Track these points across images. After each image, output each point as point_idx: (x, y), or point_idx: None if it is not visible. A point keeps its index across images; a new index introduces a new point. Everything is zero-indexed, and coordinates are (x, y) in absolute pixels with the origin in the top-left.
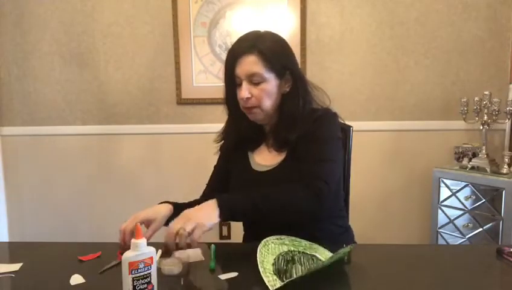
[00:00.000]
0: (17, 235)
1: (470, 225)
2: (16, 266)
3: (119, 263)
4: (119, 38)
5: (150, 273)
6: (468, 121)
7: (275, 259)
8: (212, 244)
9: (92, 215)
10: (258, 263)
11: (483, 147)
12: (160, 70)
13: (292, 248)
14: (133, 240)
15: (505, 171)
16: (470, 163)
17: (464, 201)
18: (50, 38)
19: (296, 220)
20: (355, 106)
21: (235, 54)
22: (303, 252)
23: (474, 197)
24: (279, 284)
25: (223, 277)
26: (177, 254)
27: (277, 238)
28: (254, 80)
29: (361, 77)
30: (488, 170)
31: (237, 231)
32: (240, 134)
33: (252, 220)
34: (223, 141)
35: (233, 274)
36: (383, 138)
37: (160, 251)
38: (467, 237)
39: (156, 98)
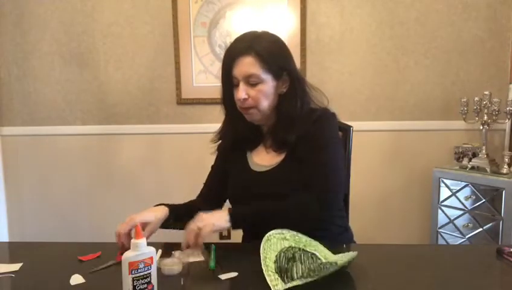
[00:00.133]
0: (17, 235)
1: (470, 225)
2: (15, 266)
3: (113, 265)
4: (119, 38)
5: (150, 273)
6: (468, 121)
7: (276, 256)
8: (212, 244)
9: (92, 215)
10: (261, 260)
11: (483, 147)
12: (160, 70)
13: (293, 244)
14: (133, 240)
15: (505, 171)
16: (470, 163)
17: (463, 201)
18: (50, 38)
19: (302, 229)
20: (355, 106)
21: (232, 55)
22: (303, 250)
23: (474, 197)
24: (280, 284)
25: (223, 277)
26: (177, 254)
27: (279, 233)
28: (251, 81)
29: (361, 76)
30: (488, 170)
31: (237, 231)
32: (238, 134)
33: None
34: (220, 141)
35: (233, 274)
36: (383, 138)
37: (160, 251)
38: (467, 237)
39: (156, 98)
